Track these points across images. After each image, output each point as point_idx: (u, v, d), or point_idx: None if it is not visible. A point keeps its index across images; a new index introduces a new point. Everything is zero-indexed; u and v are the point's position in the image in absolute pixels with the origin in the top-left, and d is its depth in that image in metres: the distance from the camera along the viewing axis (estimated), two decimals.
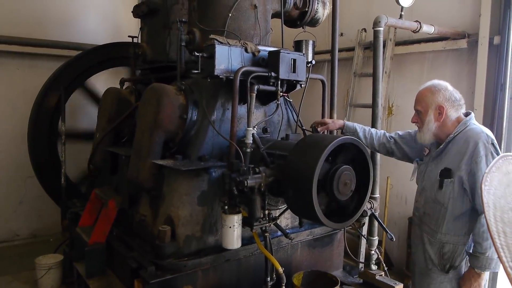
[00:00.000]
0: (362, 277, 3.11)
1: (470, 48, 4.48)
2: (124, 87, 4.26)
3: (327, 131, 3.07)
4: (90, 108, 5.35)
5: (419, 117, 2.66)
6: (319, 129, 3.02)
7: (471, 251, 2.52)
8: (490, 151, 2.43)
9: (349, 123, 3.06)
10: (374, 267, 3.60)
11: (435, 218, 2.62)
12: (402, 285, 2.89)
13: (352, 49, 5.79)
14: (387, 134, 3.01)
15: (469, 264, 2.54)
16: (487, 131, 2.53)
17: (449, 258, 2.59)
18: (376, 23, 3.34)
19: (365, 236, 3.78)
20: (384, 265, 3.64)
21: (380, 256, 3.67)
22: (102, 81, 5.30)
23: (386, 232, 2.97)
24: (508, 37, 4.02)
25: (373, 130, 3.05)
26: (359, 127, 3.03)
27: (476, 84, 4.31)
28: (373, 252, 3.65)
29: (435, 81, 2.64)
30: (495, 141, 2.51)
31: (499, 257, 1.55)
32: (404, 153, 2.97)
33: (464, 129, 2.55)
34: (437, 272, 2.63)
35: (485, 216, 1.38)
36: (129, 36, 4.25)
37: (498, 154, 2.45)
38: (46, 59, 5.63)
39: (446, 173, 2.54)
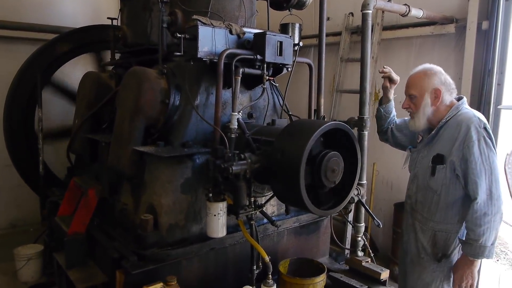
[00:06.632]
0: (348, 263, 3.09)
1: (458, 33, 4.45)
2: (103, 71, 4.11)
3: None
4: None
5: (412, 102, 2.59)
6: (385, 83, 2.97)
7: (463, 239, 2.49)
8: (483, 135, 2.39)
9: (393, 104, 3.05)
10: (360, 253, 3.58)
11: (428, 206, 2.58)
12: (388, 271, 2.87)
13: (338, 34, 5.72)
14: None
15: (461, 252, 2.52)
16: (480, 115, 2.49)
17: (441, 247, 2.56)
18: (364, 6, 3.25)
19: (352, 223, 3.75)
20: (371, 251, 3.63)
21: (366, 243, 3.65)
22: (81, 66, 5.12)
23: (373, 218, 2.93)
24: (497, 22, 4.00)
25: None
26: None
27: (464, 69, 4.30)
28: (359, 238, 3.63)
29: (428, 65, 2.59)
30: (488, 125, 2.47)
31: None
32: (397, 141, 2.94)
33: (456, 113, 2.51)
34: (430, 261, 2.61)
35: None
36: (108, 18, 4.08)
37: (490, 138, 2.42)
38: (22, 43, 5.40)
39: (439, 159, 2.49)
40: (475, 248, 2.39)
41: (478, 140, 2.37)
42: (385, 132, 3.04)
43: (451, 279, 2.62)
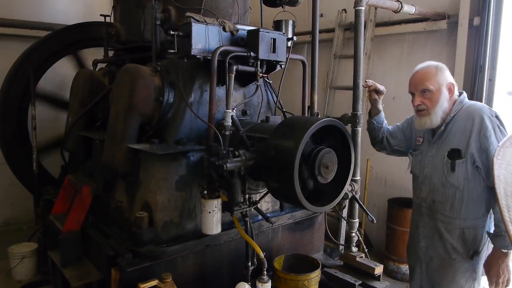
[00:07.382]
0: (342, 259, 3.11)
1: (450, 29, 4.48)
2: (96, 69, 4.09)
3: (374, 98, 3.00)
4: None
5: (426, 98, 2.52)
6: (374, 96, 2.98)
7: (493, 232, 2.42)
8: (497, 124, 2.38)
9: (383, 114, 3.05)
10: (354, 249, 3.61)
11: (450, 204, 2.52)
12: (382, 266, 2.90)
13: (332, 30, 5.73)
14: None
15: (492, 246, 2.45)
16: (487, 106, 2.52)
17: (472, 244, 2.50)
18: (357, 2, 3.27)
19: (346, 219, 3.78)
20: (365, 246, 3.66)
21: (360, 238, 3.68)
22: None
23: (367, 214, 2.95)
24: (488, 18, 4.03)
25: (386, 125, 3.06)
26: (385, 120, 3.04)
27: (456, 65, 4.33)
28: (353, 234, 3.66)
29: (433, 61, 2.58)
30: (498, 113, 2.46)
31: (507, 231, 1.48)
32: (393, 149, 2.94)
33: (462, 107, 2.50)
34: (462, 261, 2.54)
35: (494, 189, 1.34)
36: (101, 15, 4.06)
37: (503, 126, 2.41)
38: (14, 40, 5.38)
39: (456, 154, 2.45)
40: (507, 240, 2.27)
41: (493, 129, 2.37)
42: (381, 142, 3.04)
43: (480, 274, 2.57)
